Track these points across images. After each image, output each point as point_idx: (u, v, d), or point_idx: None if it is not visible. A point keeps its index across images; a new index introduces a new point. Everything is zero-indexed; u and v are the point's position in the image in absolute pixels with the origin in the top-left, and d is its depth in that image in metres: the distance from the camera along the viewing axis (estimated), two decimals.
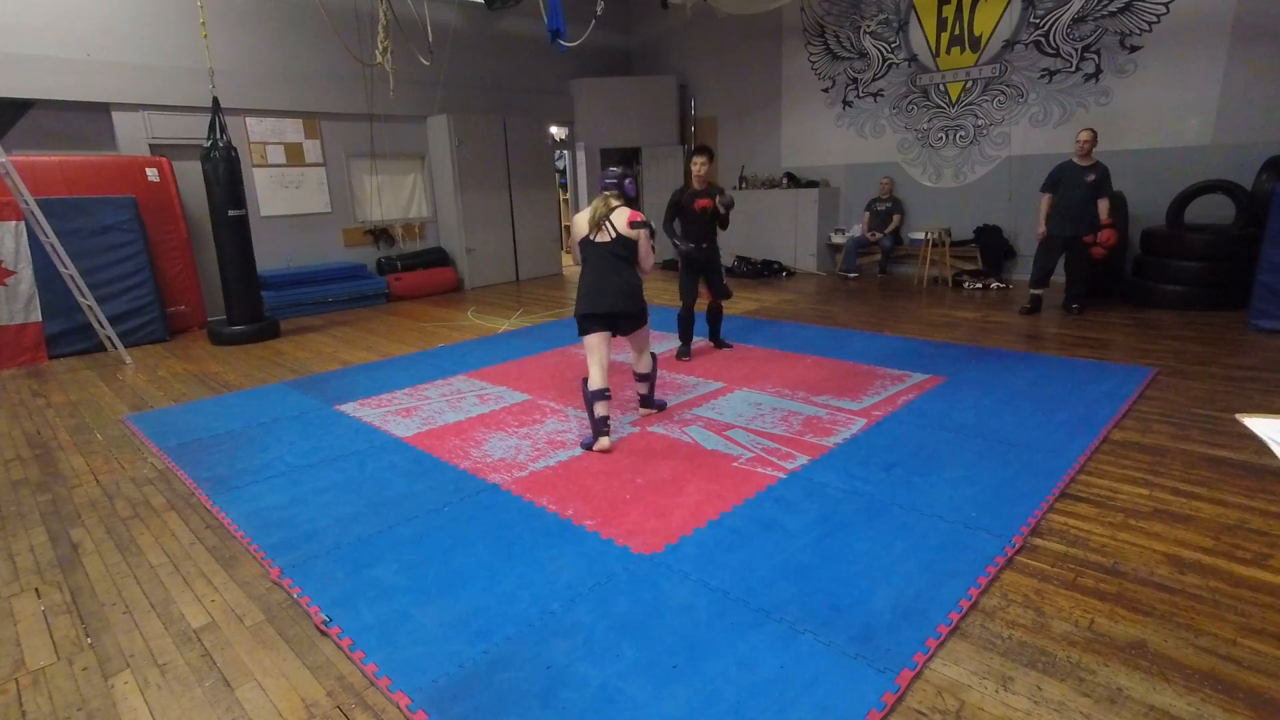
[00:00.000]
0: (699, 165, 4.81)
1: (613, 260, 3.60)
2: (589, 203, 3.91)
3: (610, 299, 3.56)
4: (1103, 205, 5.90)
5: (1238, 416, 0.75)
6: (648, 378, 3.94)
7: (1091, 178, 5.87)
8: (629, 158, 11.72)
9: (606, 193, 3.68)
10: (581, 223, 3.67)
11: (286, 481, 3.29)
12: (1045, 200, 6.13)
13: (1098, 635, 2.01)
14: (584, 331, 3.63)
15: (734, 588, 2.28)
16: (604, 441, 3.46)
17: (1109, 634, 2.01)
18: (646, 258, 3.72)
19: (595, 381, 3.51)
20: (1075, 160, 5.98)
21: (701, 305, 5.27)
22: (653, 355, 3.94)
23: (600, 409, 3.46)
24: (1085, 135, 5.91)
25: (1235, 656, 1.90)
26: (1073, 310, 6.17)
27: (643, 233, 3.64)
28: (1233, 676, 1.82)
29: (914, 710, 1.75)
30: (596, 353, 3.57)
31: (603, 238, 3.60)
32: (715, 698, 1.80)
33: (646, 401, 4.03)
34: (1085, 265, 6.13)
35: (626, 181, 3.69)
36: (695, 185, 4.91)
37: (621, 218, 3.60)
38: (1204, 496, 2.81)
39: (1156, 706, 1.73)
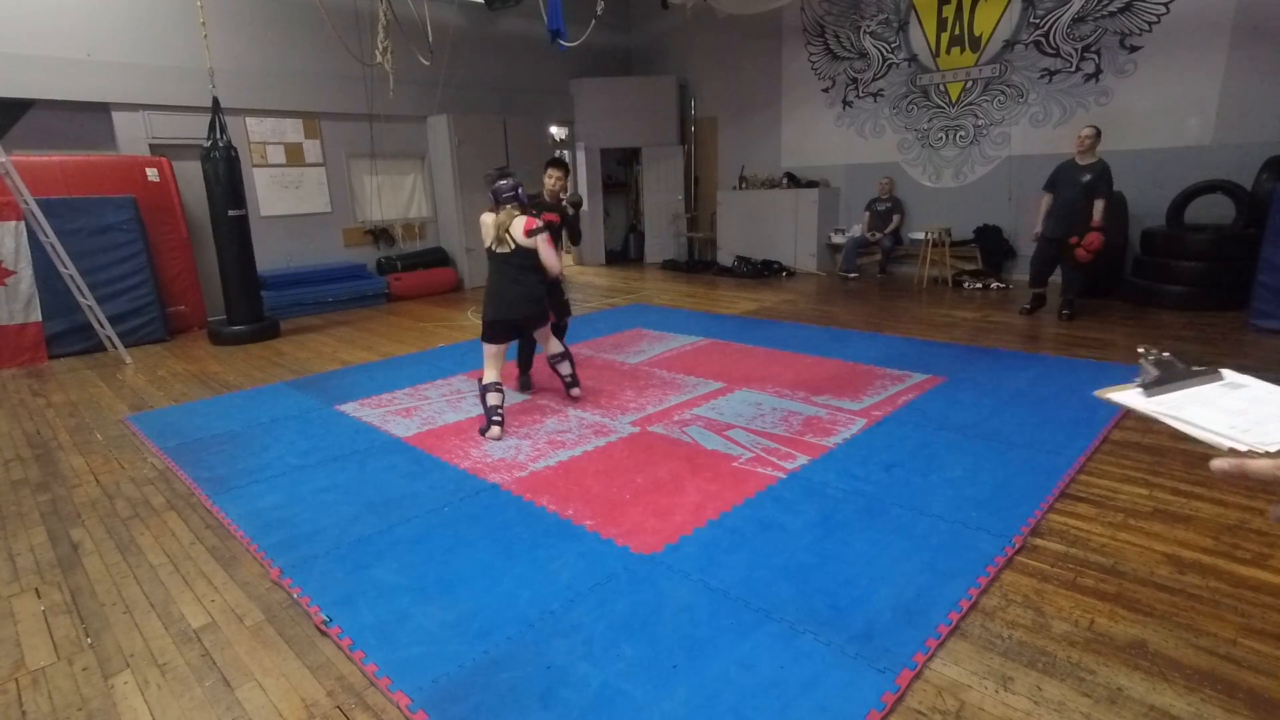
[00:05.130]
0: (554, 180, 4.42)
1: (512, 270, 3.84)
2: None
3: (511, 306, 3.84)
4: (1097, 206, 5.68)
5: (1096, 393, 0.72)
6: (565, 356, 4.20)
7: (1087, 178, 5.69)
8: (629, 158, 11.74)
9: (509, 206, 3.83)
10: (488, 230, 3.86)
11: (286, 481, 3.29)
12: (1044, 200, 6.00)
13: (1098, 635, 2.01)
14: (487, 339, 3.86)
15: (734, 588, 2.28)
16: (495, 430, 3.73)
17: (1109, 634, 2.01)
18: (550, 260, 3.88)
19: (490, 377, 3.83)
20: (1076, 158, 5.83)
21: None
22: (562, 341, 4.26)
23: (493, 399, 3.78)
24: (1087, 132, 5.72)
25: (1235, 656, 1.90)
26: (1063, 316, 5.96)
27: (540, 238, 3.83)
28: (1233, 676, 1.82)
29: (914, 710, 1.75)
30: (494, 358, 3.86)
31: (503, 249, 3.82)
32: (715, 698, 1.80)
33: (574, 381, 4.26)
34: (1077, 270, 5.96)
35: (520, 190, 3.87)
36: (547, 199, 4.46)
37: (518, 228, 3.80)
38: (1204, 496, 2.81)
39: (1156, 706, 1.73)
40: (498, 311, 3.85)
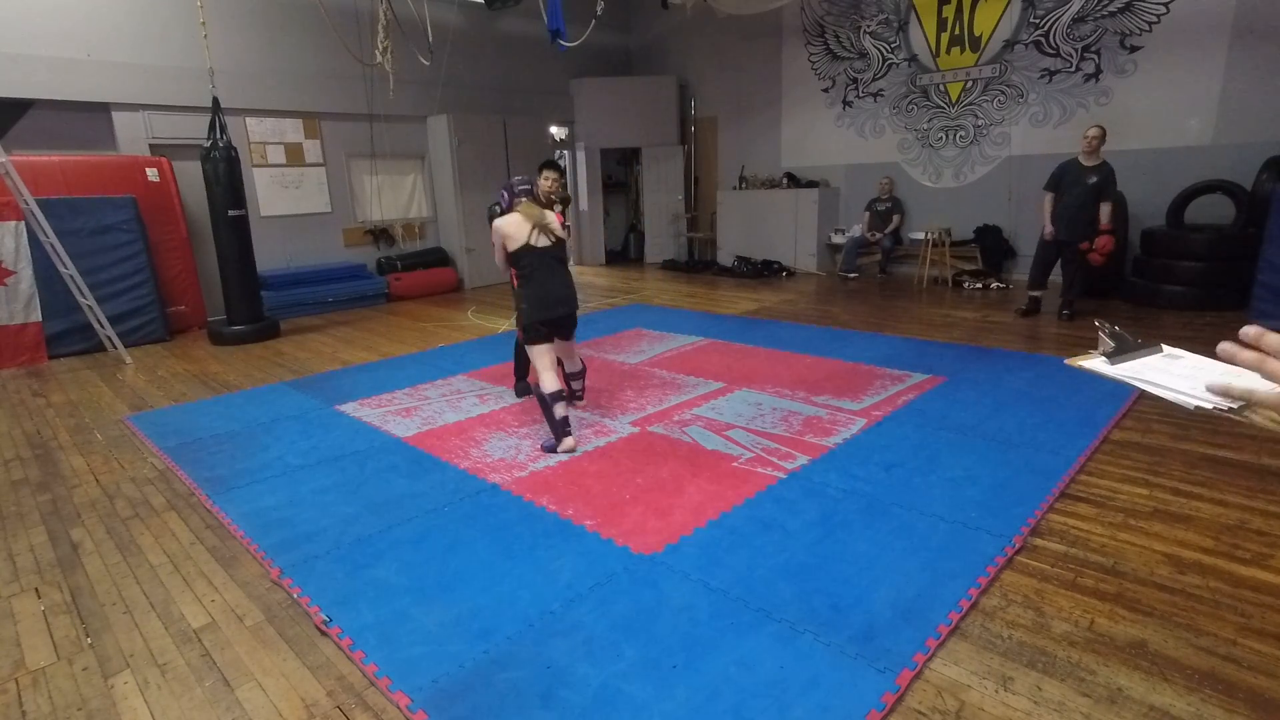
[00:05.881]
0: (551, 181, 4.10)
1: (555, 264, 3.64)
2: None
3: (564, 304, 3.65)
4: (1104, 209, 5.63)
5: (1066, 361, 0.77)
6: (581, 375, 4.15)
7: (1094, 180, 5.62)
8: (629, 158, 11.74)
9: (526, 199, 3.63)
10: (518, 231, 3.54)
11: (286, 481, 3.29)
12: (1047, 200, 5.90)
13: (1098, 635, 2.01)
14: (534, 341, 3.58)
15: (734, 588, 2.28)
16: (568, 441, 3.48)
17: (1109, 634, 2.01)
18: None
19: (552, 384, 3.52)
20: (1080, 159, 5.74)
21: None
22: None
23: (560, 410, 3.49)
24: (1094, 132, 5.61)
25: (1235, 656, 1.90)
26: (1063, 316, 5.96)
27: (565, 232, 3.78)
28: (1233, 676, 1.83)
29: (914, 710, 1.75)
30: (547, 358, 3.59)
31: (544, 242, 3.57)
32: (715, 698, 1.80)
33: (581, 394, 4.21)
34: (1079, 271, 5.92)
35: (532, 186, 3.74)
36: (542, 199, 4.12)
37: (554, 220, 3.65)
38: (1204, 496, 2.81)
39: (1156, 706, 1.73)
40: (551, 309, 3.59)
